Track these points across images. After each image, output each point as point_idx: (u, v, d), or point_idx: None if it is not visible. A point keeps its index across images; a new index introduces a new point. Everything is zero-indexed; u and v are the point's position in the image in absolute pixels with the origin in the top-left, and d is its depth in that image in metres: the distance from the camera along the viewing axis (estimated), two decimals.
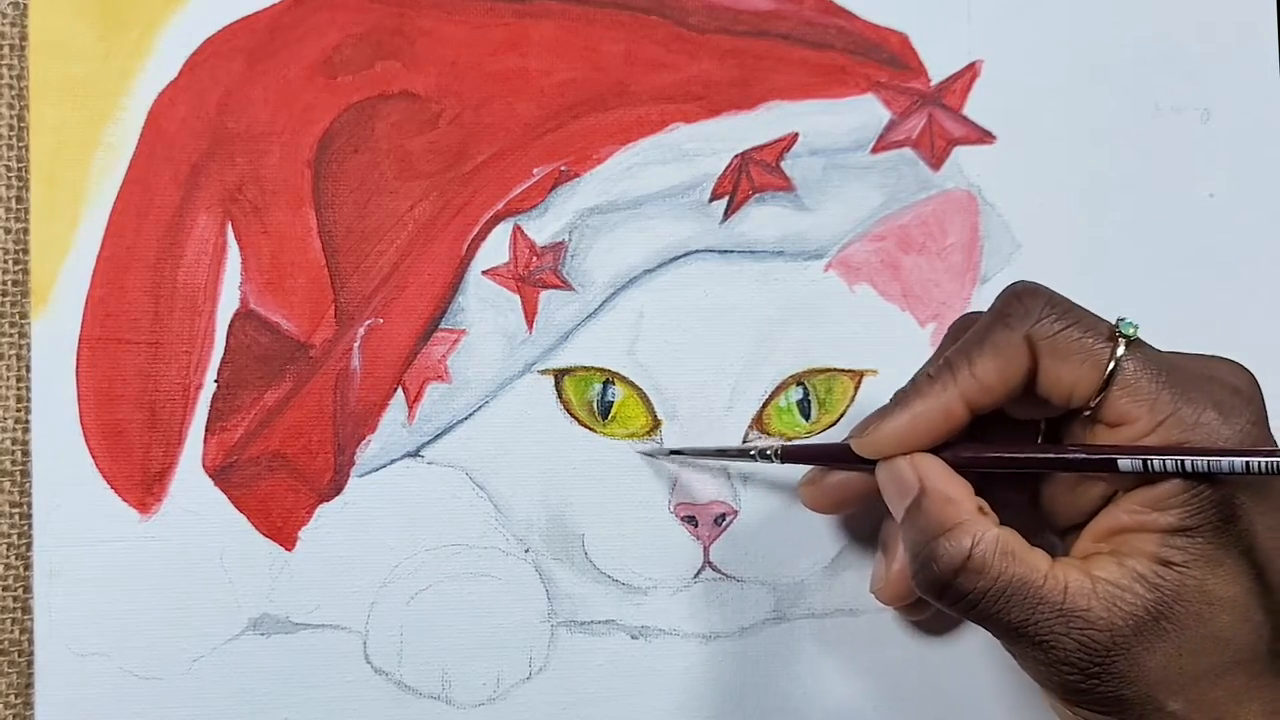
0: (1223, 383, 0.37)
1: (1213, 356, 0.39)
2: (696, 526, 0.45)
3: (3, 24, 0.45)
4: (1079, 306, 0.38)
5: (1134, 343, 0.37)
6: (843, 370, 0.46)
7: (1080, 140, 0.47)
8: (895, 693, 0.45)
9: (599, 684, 0.44)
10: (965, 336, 0.39)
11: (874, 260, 0.46)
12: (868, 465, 0.39)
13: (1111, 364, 0.37)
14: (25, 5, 0.44)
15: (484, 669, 0.44)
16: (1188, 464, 0.35)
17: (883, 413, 0.39)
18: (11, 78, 0.45)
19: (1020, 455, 0.38)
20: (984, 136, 0.47)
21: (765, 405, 0.45)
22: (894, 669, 0.45)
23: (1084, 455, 0.37)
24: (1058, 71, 0.48)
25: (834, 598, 0.45)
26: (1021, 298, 0.38)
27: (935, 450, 0.39)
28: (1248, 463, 0.34)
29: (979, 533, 0.36)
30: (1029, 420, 0.40)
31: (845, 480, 0.42)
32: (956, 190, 0.47)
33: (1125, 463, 0.36)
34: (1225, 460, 0.34)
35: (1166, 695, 0.36)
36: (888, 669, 0.45)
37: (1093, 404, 0.37)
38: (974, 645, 0.45)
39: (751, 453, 0.42)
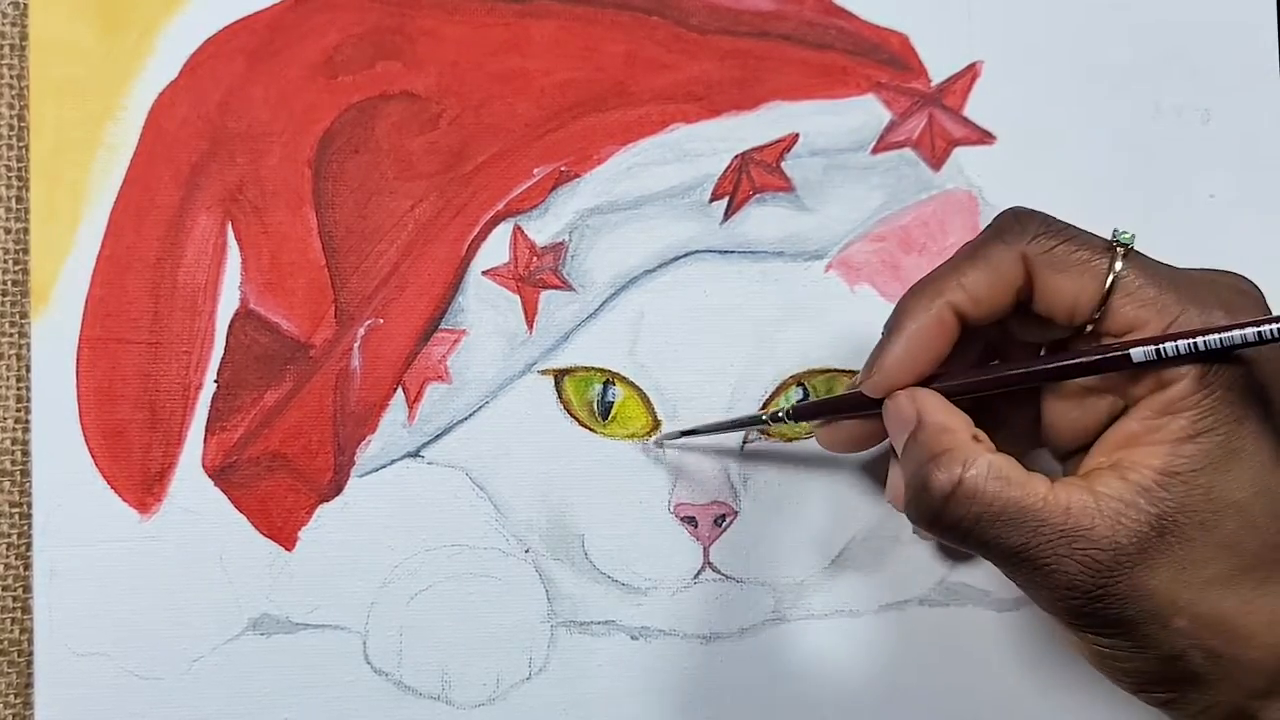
0: (1227, 286, 0.37)
1: (1214, 269, 0.38)
2: (696, 527, 0.45)
3: (3, 24, 0.45)
4: (1074, 225, 0.38)
5: (1131, 253, 0.37)
6: (843, 371, 0.46)
7: (1080, 140, 0.47)
8: (895, 694, 0.45)
9: (599, 684, 0.44)
10: (955, 252, 0.39)
11: (875, 261, 0.46)
12: (874, 408, 0.39)
13: (1111, 275, 0.36)
14: (25, 5, 0.44)
15: (484, 669, 0.44)
16: (1200, 343, 0.34)
17: (880, 347, 0.39)
18: (12, 77, 0.45)
19: (1025, 370, 0.38)
20: (984, 137, 0.47)
21: (765, 405, 0.45)
22: (894, 670, 0.45)
23: (1096, 357, 0.36)
24: (1058, 72, 0.48)
25: (834, 599, 0.45)
26: (1019, 217, 0.38)
27: (936, 375, 0.39)
28: (1259, 332, 0.33)
29: (970, 458, 0.36)
30: (1030, 349, 0.40)
31: (855, 421, 0.42)
32: (957, 191, 0.47)
33: (1138, 352, 0.35)
34: (1238, 332, 0.34)
35: (1172, 613, 0.35)
36: (887, 670, 0.45)
37: (1096, 315, 0.37)
38: (974, 645, 0.45)
39: (764, 418, 0.42)
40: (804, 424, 0.45)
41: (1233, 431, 0.35)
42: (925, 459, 0.36)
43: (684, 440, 0.45)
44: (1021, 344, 0.41)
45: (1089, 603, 0.35)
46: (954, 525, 0.36)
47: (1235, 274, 0.38)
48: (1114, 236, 0.37)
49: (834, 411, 0.42)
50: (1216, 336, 0.34)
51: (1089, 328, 0.37)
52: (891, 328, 0.39)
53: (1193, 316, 0.36)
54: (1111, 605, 0.35)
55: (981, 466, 0.36)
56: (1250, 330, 0.34)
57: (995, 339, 0.41)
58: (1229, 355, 0.35)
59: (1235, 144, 0.48)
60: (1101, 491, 0.35)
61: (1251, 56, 0.48)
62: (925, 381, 0.39)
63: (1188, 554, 0.35)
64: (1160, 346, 0.35)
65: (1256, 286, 0.38)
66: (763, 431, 0.45)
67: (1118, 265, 0.36)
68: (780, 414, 0.42)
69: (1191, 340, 0.35)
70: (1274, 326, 0.33)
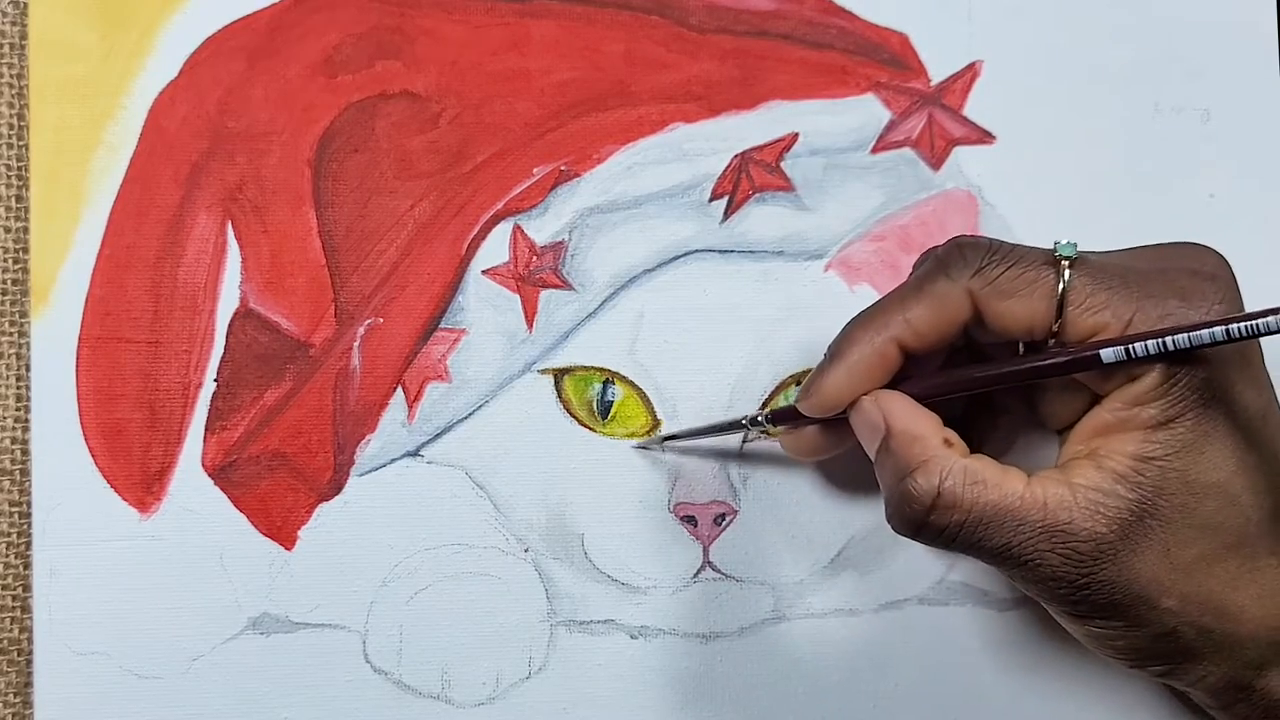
0: (1182, 270, 0.37)
1: (1173, 245, 0.39)
2: (696, 526, 0.45)
3: (3, 23, 0.45)
4: (1020, 245, 0.38)
5: (1078, 261, 0.37)
6: None
7: (1080, 140, 0.47)
8: (895, 693, 0.45)
9: (598, 684, 0.44)
10: (903, 283, 0.39)
11: (874, 260, 0.46)
12: (842, 415, 0.40)
13: (1060, 290, 0.37)
14: (25, 4, 0.44)
15: (483, 668, 0.44)
16: (1169, 343, 0.35)
17: (820, 370, 0.39)
18: (11, 77, 0.45)
19: (996, 373, 0.38)
20: (984, 137, 0.47)
21: (765, 404, 0.45)
22: (893, 669, 0.45)
23: (1066, 358, 0.37)
24: (1058, 71, 0.48)
25: (833, 598, 0.45)
26: (963, 249, 0.38)
27: (905, 379, 0.39)
28: (1228, 330, 0.34)
29: (946, 467, 0.36)
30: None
31: (821, 427, 0.42)
32: (956, 190, 0.47)
33: (1108, 353, 0.36)
34: (1206, 332, 0.34)
35: (1159, 594, 0.36)
36: (887, 669, 0.45)
37: (1055, 330, 0.37)
38: (974, 644, 0.45)
39: (743, 421, 0.42)
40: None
41: (1203, 415, 0.36)
42: (901, 472, 0.37)
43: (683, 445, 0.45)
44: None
45: (1076, 592, 0.36)
46: (937, 535, 0.37)
47: (1196, 248, 0.38)
48: (1056, 250, 0.37)
49: (809, 419, 0.42)
50: (1185, 336, 0.35)
51: (1050, 341, 0.38)
52: (834, 354, 0.39)
53: (1148, 310, 0.36)
54: (1099, 592, 0.36)
55: (957, 474, 0.36)
56: (1218, 329, 0.34)
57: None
58: (1193, 353, 0.35)
59: (1235, 144, 0.48)
60: (1078, 483, 0.36)
61: (1251, 56, 0.48)
62: (894, 383, 0.39)
63: (1170, 536, 0.36)
64: (1129, 346, 0.35)
65: (1220, 260, 0.38)
66: (763, 431, 0.45)
67: (1066, 277, 0.37)
68: (760, 418, 0.42)
69: (1160, 340, 0.35)
70: (1241, 325, 0.34)
